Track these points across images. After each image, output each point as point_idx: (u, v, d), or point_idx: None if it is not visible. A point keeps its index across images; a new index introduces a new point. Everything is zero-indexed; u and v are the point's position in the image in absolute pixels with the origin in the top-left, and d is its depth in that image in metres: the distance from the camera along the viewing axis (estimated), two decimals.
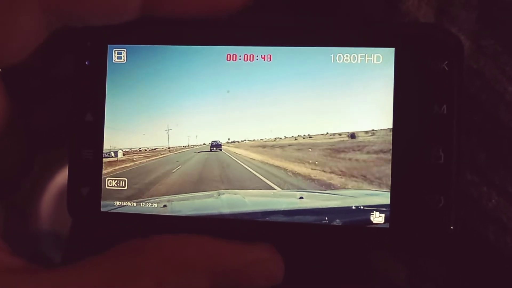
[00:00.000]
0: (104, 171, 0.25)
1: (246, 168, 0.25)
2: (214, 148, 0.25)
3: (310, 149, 0.24)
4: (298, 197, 0.24)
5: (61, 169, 0.33)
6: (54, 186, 0.33)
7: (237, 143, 0.24)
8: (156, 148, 0.25)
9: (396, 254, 0.27)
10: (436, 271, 0.27)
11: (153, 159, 0.25)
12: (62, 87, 0.26)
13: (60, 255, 0.32)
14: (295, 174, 0.24)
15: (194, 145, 0.25)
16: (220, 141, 0.24)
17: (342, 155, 0.24)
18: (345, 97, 0.23)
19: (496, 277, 0.26)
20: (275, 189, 0.24)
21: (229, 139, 0.24)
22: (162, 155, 0.25)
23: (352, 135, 0.23)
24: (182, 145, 0.25)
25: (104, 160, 0.25)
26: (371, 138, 0.23)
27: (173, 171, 0.25)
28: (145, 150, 0.25)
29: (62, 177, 0.33)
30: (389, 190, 0.23)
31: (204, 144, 0.25)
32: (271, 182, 0.24)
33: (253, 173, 0.25)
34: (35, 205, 0.33)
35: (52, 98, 0.27)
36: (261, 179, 0.24)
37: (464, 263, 0.26)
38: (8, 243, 0.23)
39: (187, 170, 0.25)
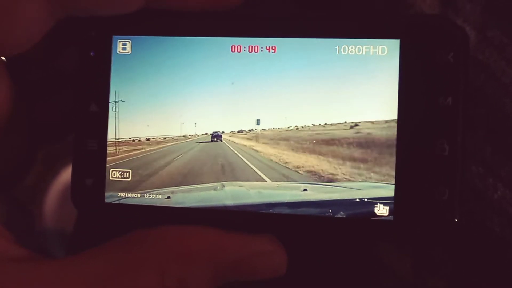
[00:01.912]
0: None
1: (243, 160, 0.25)
2: (215, 139, 0.25)
3: (314, 141, 0.24)
4: (302, 189, 0.24)
5: (65, 166, 0.33)
6: (58, 183, 0.33)
7: (240, 134, 0.24)
8: (158, 138, 0.25)
9: (401, 247, 0.27)
10: (442, 264, 0.26)
11: (156, 150, 0.25)
12: (66, 79, 0.26)
13: (63, 252, 0.32)
14: (296, 166, 0.24)
15: (195, 135, 0.25)
16: (221, 132, 0.24)
17: (345, 146, 0.23)
18: (350, 88, 0.23)
19: (502, 268, 0.26)
20: (266, 181, 0.24)
21: (233, 130, 0.24)
22: (165, 146, 0.25)
23: (356, 127, 0.23)
24: (184, 136, 0.25)
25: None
26: (375, 130, 0.23)
27: (175, 161, 0.25)
28: (147, 139, 0.25)
29: (66, 174, 0.33)
30: (394, 183, 0.22)
31: (206, 134, 0.25)
32: (263, 174, 0.24)
33: (247, 164, 0.25)
34: (39, 202, 0.33)
35: (56, 91, 0.27)
36: (255, 171, 0.24)
37: (470, 256, 0.26)
38: None
39: (189, 161, 0.25)
